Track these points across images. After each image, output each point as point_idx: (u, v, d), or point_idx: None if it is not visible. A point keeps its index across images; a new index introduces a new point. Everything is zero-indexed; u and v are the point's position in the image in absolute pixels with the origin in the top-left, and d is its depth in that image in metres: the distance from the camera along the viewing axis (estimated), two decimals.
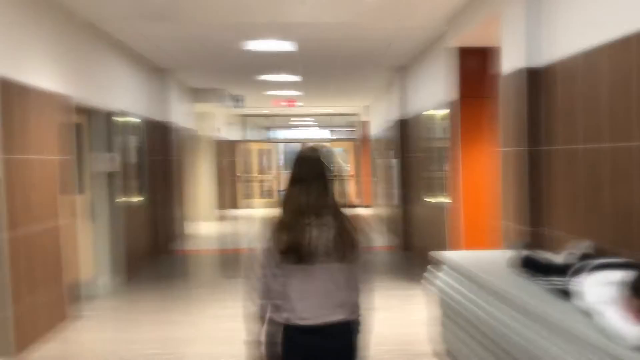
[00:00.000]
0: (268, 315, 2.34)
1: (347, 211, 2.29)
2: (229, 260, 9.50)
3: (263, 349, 2.36)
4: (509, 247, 4.58)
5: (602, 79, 3.46)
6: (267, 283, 2.28)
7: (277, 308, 2.31)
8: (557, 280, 3.00)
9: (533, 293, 3.02)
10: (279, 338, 2.30)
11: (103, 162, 6.66)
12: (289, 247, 2.21)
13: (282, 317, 2.30)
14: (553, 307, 2.71)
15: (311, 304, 2.25)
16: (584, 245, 3.60)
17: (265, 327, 2.36)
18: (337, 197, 2.31)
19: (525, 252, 3.66)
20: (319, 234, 2.22)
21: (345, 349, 2.30)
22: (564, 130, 3.95)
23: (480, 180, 6.16)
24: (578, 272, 2.86)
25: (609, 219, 3.43)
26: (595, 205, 3.58)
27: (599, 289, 2.41)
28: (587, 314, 2.55)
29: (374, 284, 2.39)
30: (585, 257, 3.44)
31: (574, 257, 3.52)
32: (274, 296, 2.30)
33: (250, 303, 2.35)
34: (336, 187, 2.33)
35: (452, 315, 3.93)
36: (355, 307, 2.32)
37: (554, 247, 4.10)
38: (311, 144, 2.50)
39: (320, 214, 2.24)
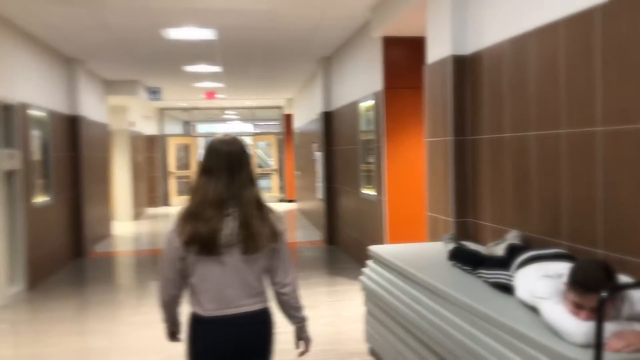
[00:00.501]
0: (180, 304, 2.38)
1: (258, 203, 2.27)
2: (146, 262, 8.99)
3: (178, 331, 2.45)
4: (436, 239, 4.50)
5: (529, 66, 3.40)
6: (176, 273, 2.27)
7: (187, 298, 2.33)
8: (489, 273, 2.89)
9: (464, 287, 2.89)
10: (192, 329, 2.30)
11: (0, 159, 6.04)
12: (191, 238, 2.19)
13: (191, 307, 2.31)
14: (487, 302, 2.59)
15: (214, 295, 2.24)
16: (512, 236, 3.54)
17: (179, 314, 2.42)
18: (248, 189, 2.26)
19: (454, 245, 3.56)
20: (224, 225, 2.19)
21: (253, 339, 2.28)
22: (490, 118, 3.89)
23: (407, 171, 6.09)
24: (511, 264, 2.76)
25: (536, 209, 3.39)
26: (522, 194, 3.53)
27: (536, 282, 2.30)
28: (524, 308, 2.45)
29: (293, 274, 2.36)
30: (513, 247, 3.38)
31: (502, 248, 3.46)
32: (182, 286, 2.31)
33: (161, 292, 2.35)
34: (249, 179, 2.29)
35: (376, 312, 3.78)
36: (261, 298, 2.30)
37: (482, 238, 4.05)
38: (223, 134, 2.41)
39: (227, 205, 2.21)
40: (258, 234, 2.19)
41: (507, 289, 2.71)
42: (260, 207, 2.26)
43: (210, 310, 2.23)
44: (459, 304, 2.71)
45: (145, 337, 4.72)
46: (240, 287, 2.23)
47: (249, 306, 2.25)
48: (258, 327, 2.29)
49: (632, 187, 2.60)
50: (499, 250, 3.49)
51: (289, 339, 2.47)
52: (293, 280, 2.34)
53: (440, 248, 3.85)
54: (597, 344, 1.77)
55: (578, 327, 1.96)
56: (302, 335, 2.42)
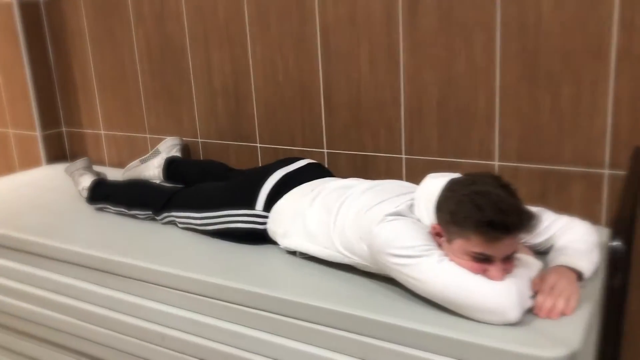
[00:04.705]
0: None
1: None
2: None
3: None
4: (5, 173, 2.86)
5: None
6: None
7: None
8: (213, 216, 1.72)
9: (164, 250, 1.66)
10: None
11: None
12: None
13: None
14: (252, 277, 1.49)
15: None
16: (167, 146, 2.38)
17: None
18: None
19: (91, 176, 2.15)
20: None
21: None
22: None
23: None
24: (250, 196, 1.66)
25: (204, 102, 2.32)
26: (174, 79, 2.38)
27: (377, 227, 1.23)
28: (328, 274, 1.45)
29: None
30: (175, 162, 2.28)
31: (155, 166, 2.32)
32: None
33: None
34: None
35: None
36: None
37: (100, 157, 2.71)
38: None
39: None
40: None
41: (253, 236, 1.63)
42: None
43: None
44: (180, 285, 1.48)
45: None
46: None
47: None
48: None
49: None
50: (151, 170, 2.32)
51: None
52: None
53: (45, 183, 2.35)
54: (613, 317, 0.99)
55: (505, 296, 1.12)
56: None
